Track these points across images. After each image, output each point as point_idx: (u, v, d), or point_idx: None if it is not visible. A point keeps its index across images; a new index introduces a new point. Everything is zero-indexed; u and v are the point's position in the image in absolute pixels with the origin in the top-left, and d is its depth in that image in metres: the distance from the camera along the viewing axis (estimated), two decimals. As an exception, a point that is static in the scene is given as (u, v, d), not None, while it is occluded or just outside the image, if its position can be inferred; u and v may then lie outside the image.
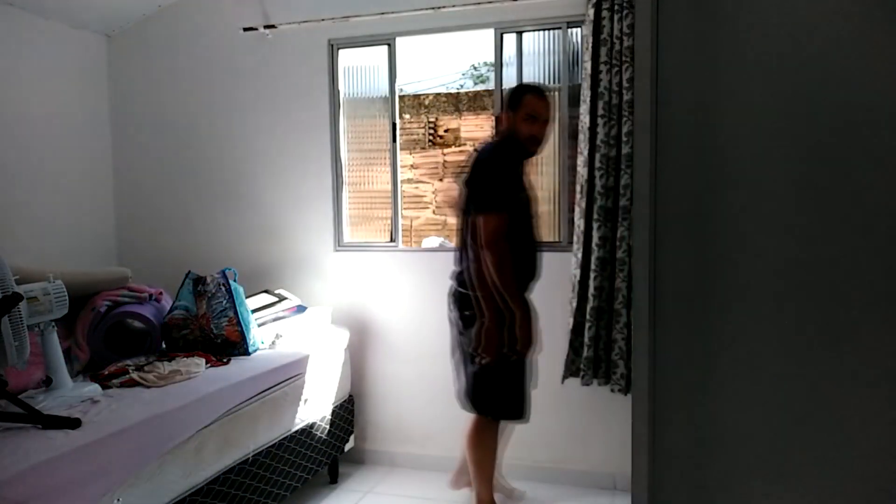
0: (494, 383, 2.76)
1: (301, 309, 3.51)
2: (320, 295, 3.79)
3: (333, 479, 3.53)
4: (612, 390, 3.19)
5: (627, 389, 3.15)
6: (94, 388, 2.45)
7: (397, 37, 3.62)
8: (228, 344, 3.05)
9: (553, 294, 3.39)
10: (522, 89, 2.84)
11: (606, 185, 3.13)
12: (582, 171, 3.18)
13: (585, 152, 3.16)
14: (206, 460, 2.47)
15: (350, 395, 3.61)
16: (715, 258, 1.13)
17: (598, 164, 3.13)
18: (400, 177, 3.76)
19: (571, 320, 3.23)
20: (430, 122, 5.99)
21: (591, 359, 3.19)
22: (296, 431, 3.04)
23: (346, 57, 3.75)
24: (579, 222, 3.20)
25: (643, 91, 1.13)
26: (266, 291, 3.55)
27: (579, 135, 3.20)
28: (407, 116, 6.01)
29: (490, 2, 3.34)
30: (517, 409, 2.83)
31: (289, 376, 3.01)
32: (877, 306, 1.05)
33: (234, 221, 3.95)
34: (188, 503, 2.35)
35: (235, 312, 3.06)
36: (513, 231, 2.64)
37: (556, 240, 3.48)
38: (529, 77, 3.47)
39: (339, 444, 3.46)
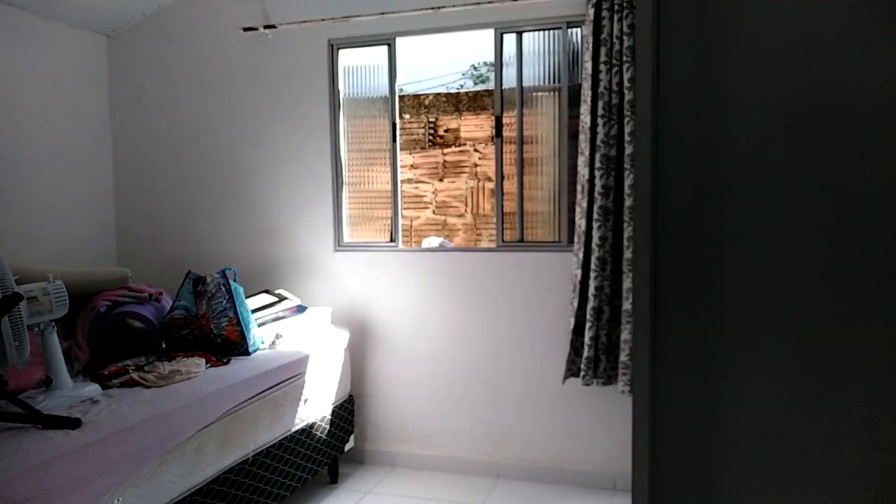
0: None
1: (301, 309, 3.51)
2: (320, 295, 3.79)
3: (333, 479, 3.53)
4: (623, 392, 3.18)
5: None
6: (94, 388, 2.45)
7: (397, 37, 3.62)
8: (228, 344, 3.05)
9: (553, 294, 3.40)
10: None
11: (606, 184, 3.13)
12: (583, 171, 3.18)
13: (587, 152, 3.16)
14: (206, 460, 2.47)
15: (350, 395, 3.61)
16: (716, 258, 1.13)
17: (597, 164, 3.13)
18: (400, 177, 3.76)
19: (573, 320, 3.23)
20: (430, 122, 5.99)
21: (592, 359, 3.19)
22: (296, 431, 3.04)
23: (346, 57, 3.75)
24: (580, 222, 3.20)
25: (644, 91, 1.13)
26: (266, 291, 3.55)
27: (580, 135, 3.21)
28: (407, 116, 6.01)
29: (490, 2, 3.34)
30: None
31: (289, 376, 3.01)
32: (879, 304, 1.05)
33: (234, 221, 3.95)
34: (188, 503, 2.35)
35: (235, 312, 3.06)
36: None
37: (556, 240, 3.48)
38: (529, 77, 3.47)
39: (339, 444, 3.46)
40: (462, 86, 7.99)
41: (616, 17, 3.08)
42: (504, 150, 3.55)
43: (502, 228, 3.59)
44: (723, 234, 1.12)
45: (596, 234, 3.15)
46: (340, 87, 3.76)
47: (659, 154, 1.13)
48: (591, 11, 3.12)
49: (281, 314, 3.40)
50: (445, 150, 5.94)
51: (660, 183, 1.13)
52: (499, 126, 3.54)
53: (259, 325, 3.23)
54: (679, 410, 1.16)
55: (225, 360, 2.94)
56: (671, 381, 1.16)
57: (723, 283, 1.13)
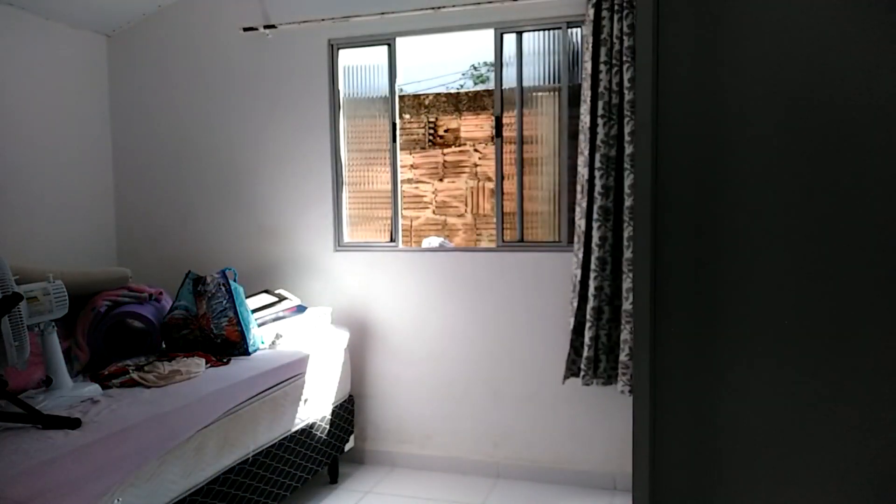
0: None
1: (301, 309, 3.51)
2: (320, 295, 3.79)
3: (333, 479, 3.53)
4: (623, 392, 3.18)
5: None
6: (94, 388, 2.45)
7: (397, 37, 3.62)
8: (228, 344, 3.05)
9: (553, 294, 3.40)
10: None
11: (606, 184, 3.13)
12: (583, 171, 3.18)
13: (586, 152, 3.16)
14: (206, 460, 2.47)
15: (350, 395, 3.61)
16: (716, 258, 1.13)
17: (597, 164, 3.13)
18: (400, 177, 3.76)
19: (572, 320, 3.23)
20: (430, 122, 5.99)
21: (592, 359, 3.19)
22: (296, 431, 3.04)
23: (346, 57, 3.75)
24: (580, 222, 3.20)
25: (645, 90, 1.13)
26: (266, 291, 3.55)
27: (580, 135, 3.21)
28: (407, 116, 6.01)
29: (490, 2, 3.34)
30: None
31: (289, 376, 3.01)
32: (879, 305, 1.05)
33: (234, 221, 3.95)
34: (188, 503, 2.35)
35: (235, 312, 3.06)
36: None
37: (556, 240, 3.48)
38: (529, 77, 3.46)
39: (339, 444, 3.46)
40: (462, 86, 7.99)
41: (616, 17, 3.08)
42: (504, 150, 3.55)
43: (502, 228, 3.59)
44: (723, 234, 1.12)
45: (596, 234, 3.15)
46: (340, 87, 3.76)
47: (659, 154, 1.13)
48: (591, 11, 3.12)
49: (281, 314, 3.40)
50: (445, 150, 5.94)
51: (660, 183, 1.13)
52: (499, 126, 3.54)
53: (259, 325, 3.23)
54: (679, 410, 1.16)
55: (225, 360, 2.94)
56: (671, 381, 1.16)
57: (723, 283, 1.13)
